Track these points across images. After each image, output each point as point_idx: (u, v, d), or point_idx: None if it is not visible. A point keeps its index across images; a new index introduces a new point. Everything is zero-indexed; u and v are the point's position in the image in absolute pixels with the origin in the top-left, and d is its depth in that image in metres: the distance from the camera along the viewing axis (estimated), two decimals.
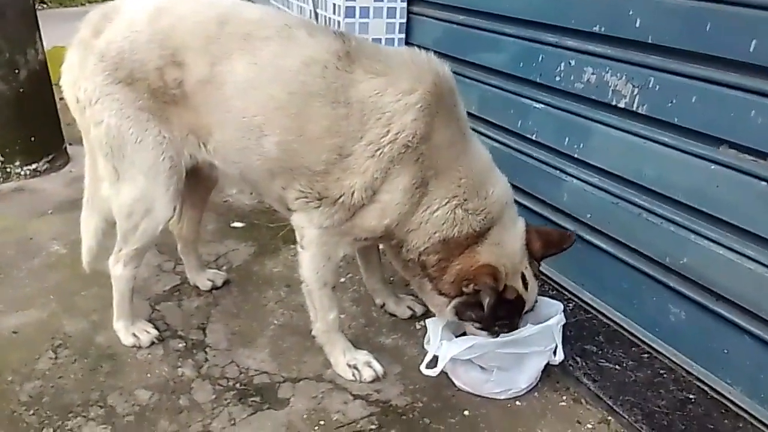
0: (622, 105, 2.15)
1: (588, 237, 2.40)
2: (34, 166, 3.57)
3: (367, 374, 2.08)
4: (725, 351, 1.98)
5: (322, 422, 1.91)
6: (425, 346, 2.04)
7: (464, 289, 1.83)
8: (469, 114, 1.94)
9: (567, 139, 2.42)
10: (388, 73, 1.77)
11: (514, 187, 1.98)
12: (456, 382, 2.08)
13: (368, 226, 1.85)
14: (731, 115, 1.81)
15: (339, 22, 3.17)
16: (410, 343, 2.30)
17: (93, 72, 1.85)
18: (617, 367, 2.13)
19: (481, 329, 1.94)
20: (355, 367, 2.09)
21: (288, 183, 1.88)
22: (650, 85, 2.03)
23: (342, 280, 2.64)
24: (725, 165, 1.86)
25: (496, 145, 2.74)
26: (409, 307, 2.44)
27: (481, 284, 1.78)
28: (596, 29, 2.18)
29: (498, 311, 1.81)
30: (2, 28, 3.26)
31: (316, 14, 3.49)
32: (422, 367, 1.97)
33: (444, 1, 3.01)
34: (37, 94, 3.50)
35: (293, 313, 2.43)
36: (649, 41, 2.00)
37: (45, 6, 10.09)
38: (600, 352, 2.21)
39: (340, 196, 1.80)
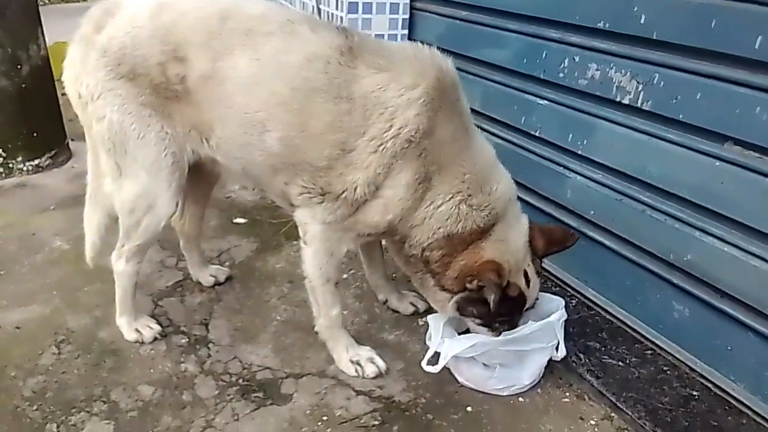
0: (626, 101, 2.13)
1: (591, 234, 2.39)
2: (36, 161, 3.57)
3: (370, 370, 2.08)
4: (729, 348, 1.98)
5: (325, 418, 1.92)
6: (427, 343, 2.04)
7: (468, 285, 1.83)
8: (473, 110, 1.94)
9: (571, 135, 2.40)
10: (390, 68, 1.76)
11: (518, 183, 1.97)
12: (459, 379, 2.08)
13: (371, 221, 1.85)
14: (736, 111, 1.80)
15: (342, 17, 3.16)
16: (413, 340, 2.30)
17: (95, 67, 1.84)
18: (620, 363, 2.13)
19: (482, 325, 1.95)
20: (358, 363, 2.09)
21: (290, 179, 1.87)
22: (655, 82, 2.02)
23: (345, 276, 2.64)
24: (730, 162, 1.85)
25: (500, 141, 2.73)
26: (411, 304, 2.44)
27: (486, 280, 1.78)
28: (601, 25, 2.17)
29: (500, 308, 1.81)
30: (4, 23, 3.26)
31: (319, 10, 3.48)
32: (423, 364, 1.97)
33: None
34: (39, 90, 3.50)
35: (296, 309, 2.44)
36: (654, 37, 1.99)
37: (47, 2, 10.08)
38: (603, 348, 2.20)
39: (343, 192, 1.80)
